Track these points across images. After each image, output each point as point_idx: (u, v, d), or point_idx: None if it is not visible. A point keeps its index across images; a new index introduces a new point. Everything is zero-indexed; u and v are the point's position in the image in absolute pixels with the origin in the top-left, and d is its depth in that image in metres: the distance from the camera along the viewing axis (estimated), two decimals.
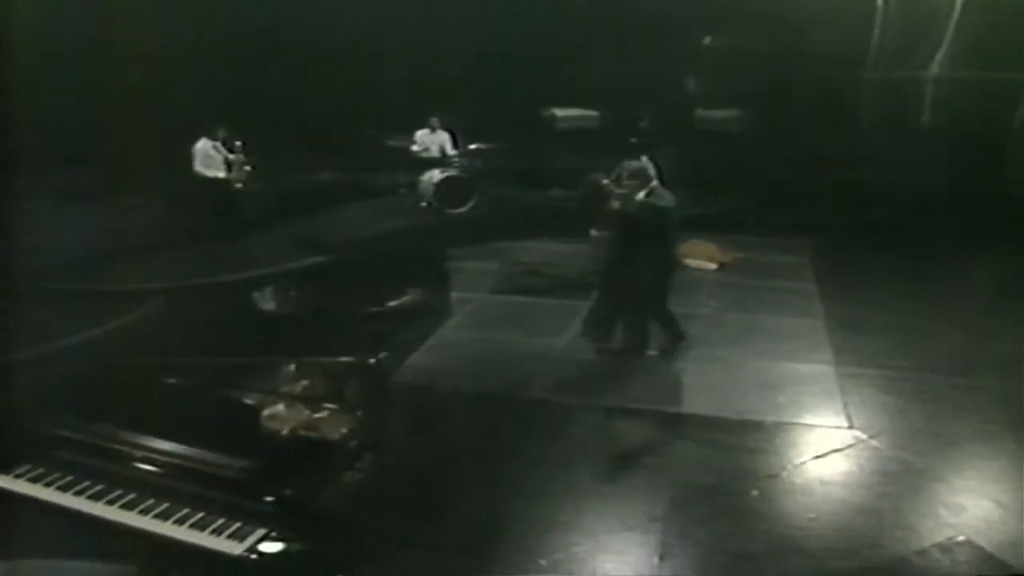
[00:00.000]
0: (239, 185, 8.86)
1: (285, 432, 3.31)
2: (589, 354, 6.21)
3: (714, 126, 11.23)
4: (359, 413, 3.47)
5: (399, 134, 10.72)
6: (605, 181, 5.90)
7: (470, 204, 10.07)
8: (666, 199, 5.78)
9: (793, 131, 10.95)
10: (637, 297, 6.00)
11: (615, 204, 5.75)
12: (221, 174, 8.77)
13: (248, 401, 3.44)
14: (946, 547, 3.80)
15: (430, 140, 10.70)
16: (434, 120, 10.66)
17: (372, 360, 3.57)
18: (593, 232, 6.06)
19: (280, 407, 3.41)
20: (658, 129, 10.65)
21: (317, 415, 3.43)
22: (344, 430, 3.38)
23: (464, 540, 3.80)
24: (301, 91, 10.85)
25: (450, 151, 10.74)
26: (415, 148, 10.64)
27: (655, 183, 5.82)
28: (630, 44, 11.30)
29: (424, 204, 10.05)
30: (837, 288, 7.86)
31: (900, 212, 9.86)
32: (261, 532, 2.92)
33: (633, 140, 10.37)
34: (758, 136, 10.72)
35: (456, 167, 10.31)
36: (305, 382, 3.69)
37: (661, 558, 3.73)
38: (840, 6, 11.23)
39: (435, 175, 10.06)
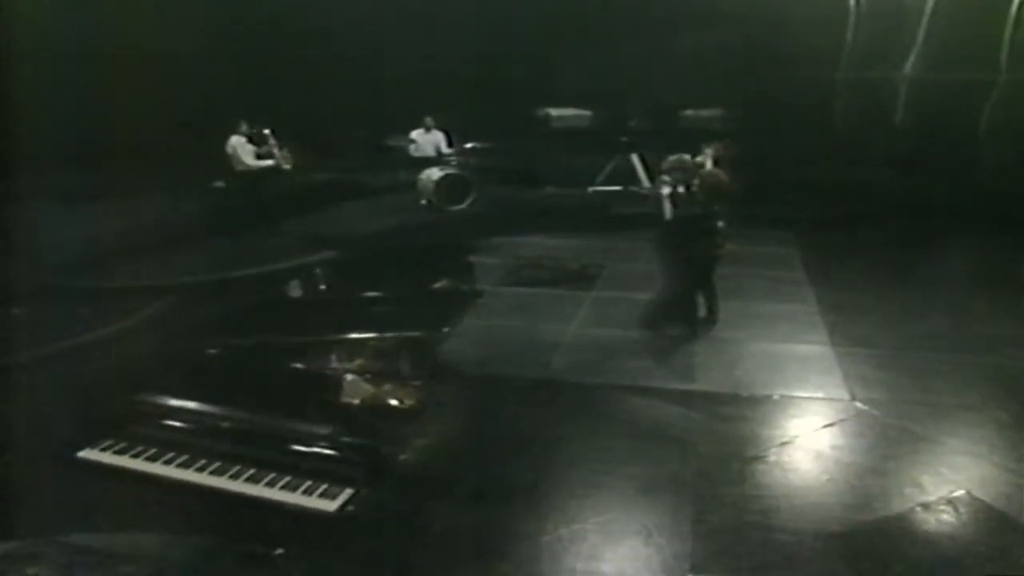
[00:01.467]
0: (287, 167, 9.20)
1: (357, 402, 3.58)
2: (600, 338, 6.56)
3: (700, 124, 11.64)
4: (418, 385, 3.75)
5: (396, 134, 10.97)
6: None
7: (468, 201, 10.35)
8: None
9: (775, 129, 11.42)
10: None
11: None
12: (270, 162, 9.12)
13: (321, 374, 3.70)
14: (949, 500, 4.19)
15: (425, 139, 10.98)
16: (429, 120, 10.95)
17: (433, 333, 3.85)
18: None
19: (350, 380, 3.67)
20: (647, 128, 11.04)
21: (382, 388, 3.70)
22: (407, 401, 3.66)
23: (520, 501, 4.11)
24: (302, 93, 11.05)
25: (445, 150, 11.03)
26: (411, 147, 10.92)
27: None
28: (620, 46, 11.69)
29: (424, 202, 10.31)
30: (824, 276, 8.30)
31: (878, 205, 10.37)
32: (349, 491, 3.19)
33: (623, 139, 10.74)
34: (741, 134, 11.16)
35: (453, 165, 10.58)
36: (363, 359, 3.95)
37: (696, 519, 4.07)
38: (817, 10, 11.74)
39: (434, 173, 10.32)
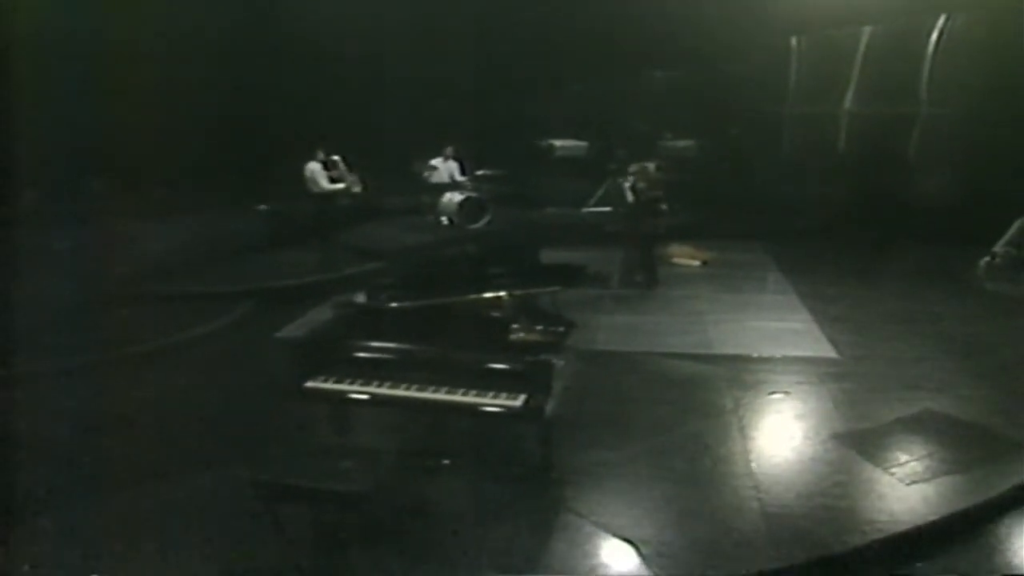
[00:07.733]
0: (357, 189, 10.47)
1: (512, 339, 4.86)
2: (626, 322, 8.07)
3: (676, 153, 13.41)
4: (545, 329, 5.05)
5: (416, 162, 12.40)
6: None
7: (485, 221, 11.76)
8: None
9: (738, 156, 13.29)
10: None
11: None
12: (342, 185, 10.27)
13: (478, 321, 4.98)
14: (918, 415, 5.74)
15: (444, 167, 12.42)
16: (448, 150, 12.43)
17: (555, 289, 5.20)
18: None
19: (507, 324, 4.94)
20: (631, 157, 12.66)
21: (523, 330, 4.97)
22: (542, 339, 4.95)
23: (612, 426, 5.53)
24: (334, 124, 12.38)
25: (459, 177, 12.47)
26: (431, 174, 12.33)
27: None
28: (605, 87, 13.47)
29: (446, 221, 11.68)
30: (795, 274, 10.03)
31: (829, 218, 12.21)
32: (524, 395, 4.47)
33: (612, 166, 12.35)
34: (711, 160, 12.97)
35: (470, 189, 12.00)
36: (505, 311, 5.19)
37: (743, 432, 5.50)
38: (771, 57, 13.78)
39: (456, 196, 11.71)
